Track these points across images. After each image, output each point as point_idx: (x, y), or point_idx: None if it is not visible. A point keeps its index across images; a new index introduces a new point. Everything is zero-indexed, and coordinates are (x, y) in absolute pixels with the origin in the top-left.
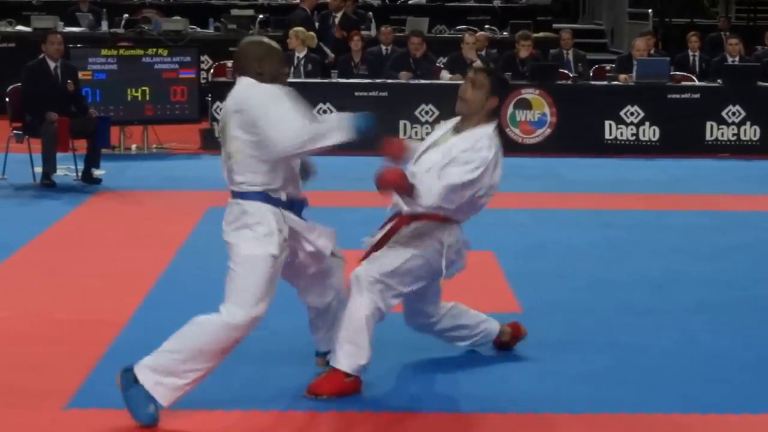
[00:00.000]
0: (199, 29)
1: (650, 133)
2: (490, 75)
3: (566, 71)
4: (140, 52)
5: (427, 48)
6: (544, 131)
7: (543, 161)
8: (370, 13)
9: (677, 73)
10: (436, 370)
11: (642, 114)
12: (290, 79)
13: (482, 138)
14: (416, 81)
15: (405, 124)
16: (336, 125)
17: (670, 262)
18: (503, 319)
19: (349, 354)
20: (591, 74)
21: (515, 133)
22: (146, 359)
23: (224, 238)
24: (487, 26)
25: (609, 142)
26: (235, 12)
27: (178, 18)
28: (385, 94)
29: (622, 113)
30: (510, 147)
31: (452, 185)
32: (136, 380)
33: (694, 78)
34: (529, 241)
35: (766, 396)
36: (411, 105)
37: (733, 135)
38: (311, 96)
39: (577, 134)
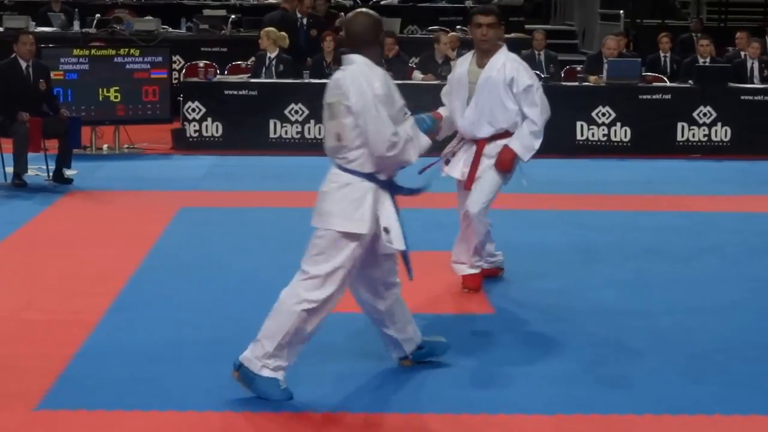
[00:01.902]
0: (171, 29)
1: (622, 133)
2: (495, 14)
3: (538, 72)
4: (112, 52)
5: (399, 48)
6: None
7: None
8: (342, 13)
9: (649, 74)
10: (399, 372)
11: (613, 115)
12: (262, 80)
13: (513, 62)
14: None
15: None
16: (414, 134)
17: (643, 263)
18: (474, 320)
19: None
20: (562, 75)
21: None
22: (247, 352)
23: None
24: (458, 27)
25: (580, 142)
26: (207, 12)
27: (150, 18)
28: None
29: (593, 114)
30: None
31: (543, 108)
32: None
33: (666, 79)
34: (500, 243)
35: (739, 397)
36: None
37: (704, 136)
38: (283, 96)
39: (548, 135)
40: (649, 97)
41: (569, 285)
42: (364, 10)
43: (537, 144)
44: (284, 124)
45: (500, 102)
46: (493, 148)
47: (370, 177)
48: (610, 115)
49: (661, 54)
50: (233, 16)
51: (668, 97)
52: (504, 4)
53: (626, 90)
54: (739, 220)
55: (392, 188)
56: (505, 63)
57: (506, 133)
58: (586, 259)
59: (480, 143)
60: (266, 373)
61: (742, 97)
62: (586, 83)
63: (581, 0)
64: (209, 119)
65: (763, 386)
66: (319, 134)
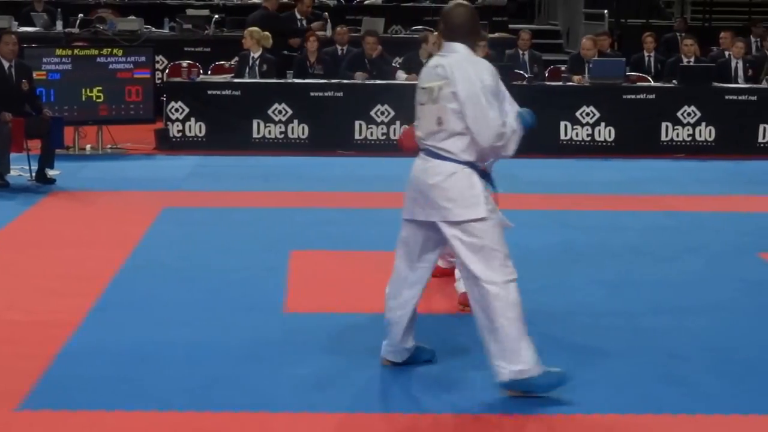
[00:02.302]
0: (154, 29)
1: (606, 133)
2: None
3: (521, 72)
4: (95, 52)
5: (382, 48)
6: None
7: (499, 162)
8: (326, 13)
9: (633, 73)
10: (381, 373)
11: (597, 114)
12: (245, 80)
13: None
14: (372, 81)
15: (360, 125)
16: (517, 128)
17: (627, 263)
18: (449, 320)
19: None
20: (546, 75)
21: None
22: (507, 368)
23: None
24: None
25: (565, 142)
26: (190, 12)
27: (133, 18)
28: (340, 94)
29: (577, 114)
30: None
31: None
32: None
33: (650, 78)
34: None
35: (722, 397)
36: (367, 105)
37: (689, 135)
38: (266, 96)
39: (532, 135)
40: (633, 96)
41: (552, 285)
42: (462, 1)
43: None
44: (268, 124)
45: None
46: None
47: (470, 164)
48: (594, 115)
49: (645, 54)
50: (216, 16)
51: (652, 96)
52: (488, 4)
53: (610, 90)
54: (723, 220)
55: (486, 178)
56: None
57: None
58: (569, 258)
59: None
60: (538, 370)
61: (726, 97)
62: (570, 83)
63: (565, 0)
64: (192, 119)
65: (745, 386)
66: (303, 134)
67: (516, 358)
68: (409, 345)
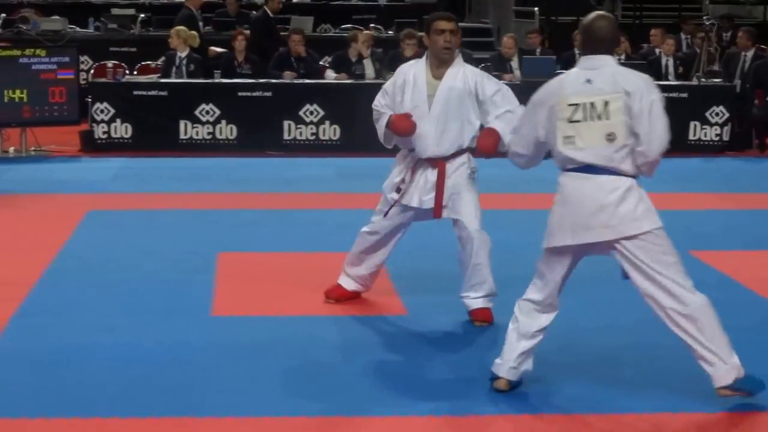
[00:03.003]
0: (78, 29)
1: None
2: (455, 19)
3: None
4: (17, 52)
5: (307, 46)
6: None
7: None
8: (254, 12)
9: (564, 71)
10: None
11: None
12: (172, 79)
13: (473, 72)
14: (301, 81)
15: (289, 125)
16: None
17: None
18: (388, 321)
19: None
20: None
21: None
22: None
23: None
24: (372, 25)
25: None
26: (115, 11)
27: (57, 17)
28: (269, 94)
29: None
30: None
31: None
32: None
33: None
34: (414, 243)
35: (651, 395)
36: (295, 105)
37: None
38: (194, 96)
39: None
40: None
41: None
42: (603, 12)
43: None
44: (195, 125)
45: (467, 115)
46: (454, 168)
47: (634, 177)
48: None
49: (576, 51)
50: (142, 15)
51: None
52: (418, 2)
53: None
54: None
55: None
56: (467, 72)
57: (467, 150)
58: (501, 258)
59: (441, 164)
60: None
61: None
62: (501, 81)
63: None
64: (118, 120)
65: (673, 384)
66: (231, 134)
67: (730, 353)
68: (525, 367)
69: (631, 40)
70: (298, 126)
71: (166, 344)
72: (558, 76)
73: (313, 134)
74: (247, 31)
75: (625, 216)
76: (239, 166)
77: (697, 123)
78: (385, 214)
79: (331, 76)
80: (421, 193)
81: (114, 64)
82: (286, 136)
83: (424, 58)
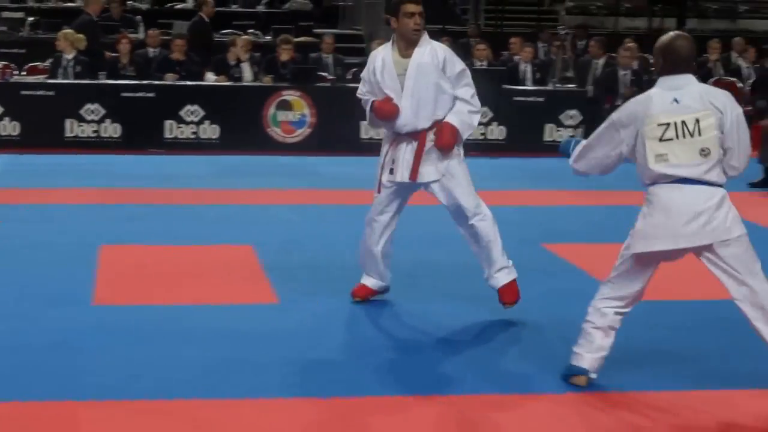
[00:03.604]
0: None
1: None
2: (421, 2)
3: (325, 74)
4: None
5: (189, 50)
6: (304, 131)
7: (302, 159)
8: (139, 16)
9: None
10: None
11: None
12: (59, 80)
13: (441, 48)
14: (182, 82)
15: (171, 124)
16: None
17: (419, 253)
18: (260, 309)
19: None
20: (349, 77)
21: (276, 132)
22: None
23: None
24: (250, 30)
25: (365, 141)
26: (5, 14)
27: None
28: (152, 94)
29: None
30: (271, 146)
31: (473, 94)
32: None
33: None
34: (287, 235)
35: (497, 374)
36: (176, 105)
37: (481, 134)
38: (80, 96)
39: (335, 134)
40: None
41: (351, 273)
42: (680, 32)
43: (476, 122)
44: (81, 124)
45: (437, 87)
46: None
47: (723, 186)
48: None
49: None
50: (31, 18)
51: None
52: (294, 9)
53: None
54: (511, 213)
55: None
56: (435, 48)
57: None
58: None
59: (421, 135)
60: None
61: (515, 98)
62: None
63: (367, 6)
64: (7, 119)
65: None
66: (115, 133)
67: None
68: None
69: (492, 48)
70: (179, 125)
71: (48, 331)
72: (637, 97)
73: (193, 133)
74: (133, 35)
75: (720, 222)
76: (123, 163)
77: (553, 125)
78: (378, 189)
79: (211, 78)
80: (412, 167)
81: (3, 64)
82: (167, 135)
83: (391, 41)
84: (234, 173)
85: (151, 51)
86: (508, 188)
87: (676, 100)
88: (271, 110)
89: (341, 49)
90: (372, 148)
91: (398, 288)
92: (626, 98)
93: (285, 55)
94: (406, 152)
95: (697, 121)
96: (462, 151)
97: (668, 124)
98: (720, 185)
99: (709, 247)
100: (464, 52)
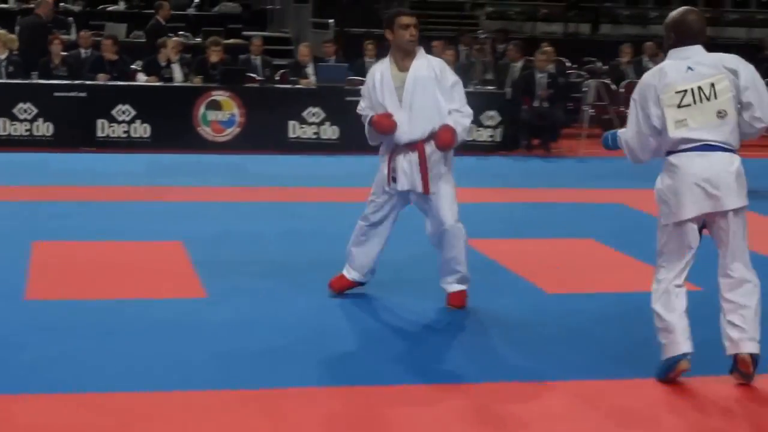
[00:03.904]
0: None
1: (330, 132)
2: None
3: (254, 75)
4: None
5: (120, 51)
6: (234, 130)
7: (232, 158)
8: (71, 18)
9: (356, 77)
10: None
11: (323, 115)
12: None
13: (437, 61)
14: (114, 83)
15: (103, 123)
16: None
17: (344, 248)
18: (189, 304)
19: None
20: (277, 78)
21: (206, 132)
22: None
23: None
24: (181, 32)
25: (293, 140)
26: None
27: None
28: (84, 94)
29: (304, 114)
30: (202, 145)
31: (465, 102)
32: None
33: None
34: (216, 232)
35: (418, 367)
36: (108, 105)
37: None
38: (12, 96)
39: (263, 133)
40: (355, 98)
41: (278, 268)
42: (691, 8)
43: (468, 125)
44: (14, 123)
45: (434, 100)
46: (432, 150)
47: (737, 151)
48: (320, 115)
49: (367, 60)
50: None
51: None
52: (223, 12)
53: (334, 92)
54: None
55: None
56: (431, 61)
57: None
58: (295, 245)
59: (419, 146)
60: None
61: None
62: (299, 86)
63: (295, 9)
64: None
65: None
66: (48, 131)
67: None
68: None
69: None
70: (111, 124)
71: None
72: (649, 71)
73: (125, 132)
74: (65, 36)
75: (738, 189)
76: (55, 161)
77: (473, 125)
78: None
79: (142, 79)
80: (408, 176)
81: (677, 34)
82: (99, 134)
83: (388, 56)
84: (165, 171)
85: (83, 52)
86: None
87: (690, 68)
88: (202, 110)
89: (269, 51)
90: (299, 147)
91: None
92: (542, 100)
93: (214, 56)
94: (404, 162)
95: (713, 85)
96: (450, 165)
97: (685, 91)
98: (735, 151)
99: (724, 213)
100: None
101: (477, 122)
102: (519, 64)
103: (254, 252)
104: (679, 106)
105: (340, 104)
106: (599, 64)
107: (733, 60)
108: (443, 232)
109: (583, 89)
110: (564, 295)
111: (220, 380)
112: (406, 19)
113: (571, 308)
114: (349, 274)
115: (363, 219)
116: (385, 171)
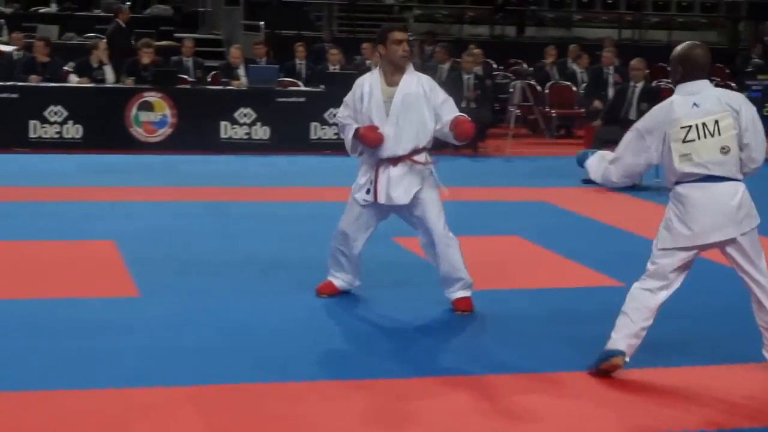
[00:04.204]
0: None
1: (261, 132)
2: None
3: (185, 76)
4: None
5: (52, 52)
6: (166, 131)
7: (165, 158)
8: (2, 20)
9: (286, 79)
10: None
11: (254, 115)
12: None
13: (426, 79)
14: (46, 84)
15: (35, 124)
16: None
17: (277, 247)
18: (121, 302)
19: None
20: (209, 79)
21: (139, 132)
22: None
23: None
24: None
25: (224, 140)
26: None
27: None
28: (15, 95)
29: (236, 114)
30: (134, 145)
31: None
32: None
33: (300, 83)
34: (149, 231)
35: (353, 363)
36: (40, 106)
37: (335, 134)
38: None
39: (195, 133)
40: (285, 99)
41: (211, 267)
42: (696, 42)
43: None
44: None
45: (421, 117)
46: (411, 165)
47: (742, 180)
48: (251, 115)
49: (297, 61)
50: None
51: (303, 100)
52: (155, 15)
53: (265, 93)
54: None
55: None
56: (421, 79)
57: (422, 149)
58: (228, 244)
59: (399, 160)
60: None
61: None
62: (230, 87)
63: (226, 12)
64: None
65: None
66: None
67: None
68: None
69: (345, 53)
70: (43, 125)
71: None
72: (660, 105)
73: (57, 133)
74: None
75: (744, 215)
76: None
77: None
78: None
79: (74, 80)
80: (387, 189)
81: (684, 68)
82: (32, 135)
83: (377, 69)
84: (97, 171)
85: (15, 53)
86: None
87: (695, 105)
88: (134, 111)
89: (201, 52)
90: (231, 147)
91: (255, 281)
92: (470, 101)
93: (146, 58)
94: (385, 176)
95: (717, 122)
96: (436, 175)
97: (690, 127)
98: (740, 180)
99: (735, 239)
100: (319, 57)
101: None
102: (446, 66)
103: (186, 251)
104: (683, 141)
105: (271, 105)
106: (525, 65)
107: (736, 99)
108: (435, 243)
109: (510, 90)
110: (489, 292)
111: (152, 377)
112: (399, 35)
113: (496, 304)
114: (336, 281)
115: (339, 230)
116: (362, 181)
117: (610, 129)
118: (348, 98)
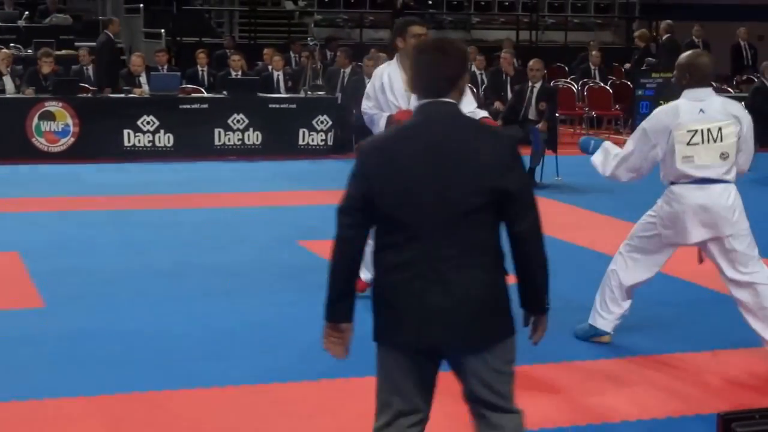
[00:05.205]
0: None
1: (165, 139)
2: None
3: (87, 85)
4: None
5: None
6: (68, 140)
7: (67, 167)
8: None
9: (188, 86)
10: None
11: (157, 123)
12: None
13: None
14: None
15: None
16: None
17: (181, 254)
18: (26, 314)
19: None
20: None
21: (41, 142)
22: None
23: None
24: (12, 44)
25: (128, 148)
26: None
27: None
28: None
29: (139, 122)
30: (36, 155)
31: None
32: None
33: (203, 90)
34: (53, 241)
35: (261, 368)
36: None
37: (239, 140)
38: None
39: (99, 142)
40: (189, 106)
41: (115, 276)
42: (701, 51)
43: None
44: None
45: None
46: None
47: (733, 182)
48: (154, 123)
49: (199, 68)
50: None
51: (206, 106)
52: (55, 24)
53: (168, 100)
54: (268, 213)
55: None
56: None
57: None
58: (131, 252)
59: None
60: None
61: (270, 105)
62: (132, 95)
63: (126, 20)
64: None
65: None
66: None
67: None
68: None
69: (247, 58)
70: None
71: None
72: (664, 108)
73: None
74: None
75: (736, 216)
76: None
77: (305, 130)
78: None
79: None
80: None
81: (690, 75)
82: None
83: (395, 60)
84: None
85: None
86: (266, 189)
87: (702, 111)
88: (35, 121)
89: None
90: (134, 155)
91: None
92: None
93: (46, 67)
94: None
95: (720, 129)
96: None
97: (696, 131)
98: (732, 182)
99: (719, 239)
100: (221, 63)
101: (309, 127)
102: (348, 70)
103: (91, 261)
104: (688, 144)
105: (173, 112)
106: None
107: (739, 109)
108: None
109: None
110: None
111: (58, 388)
112: (418, 29)
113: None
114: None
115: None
116: None
117: (510, 129)
118: (369, 89)
